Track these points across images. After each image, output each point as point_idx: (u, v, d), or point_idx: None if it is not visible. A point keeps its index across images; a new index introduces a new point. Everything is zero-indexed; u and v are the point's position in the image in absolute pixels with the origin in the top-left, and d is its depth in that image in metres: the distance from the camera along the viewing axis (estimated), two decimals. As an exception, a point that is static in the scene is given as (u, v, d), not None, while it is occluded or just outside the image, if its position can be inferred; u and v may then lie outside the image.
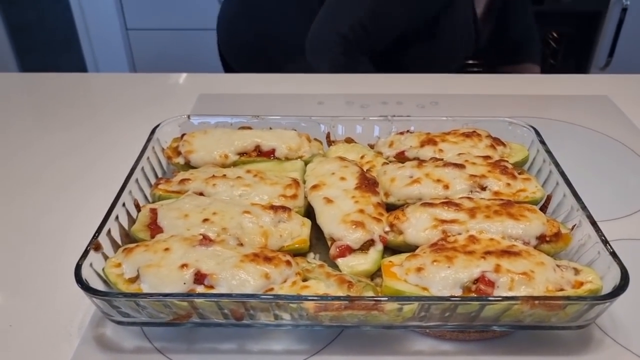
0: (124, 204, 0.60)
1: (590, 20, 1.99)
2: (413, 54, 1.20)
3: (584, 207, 0.59)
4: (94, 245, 0.54)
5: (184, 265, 0.51)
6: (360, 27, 1.09)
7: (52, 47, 2.85)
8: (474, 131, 0.72)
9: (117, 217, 0.59)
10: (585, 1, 1.94)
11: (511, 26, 1.39)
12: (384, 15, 1.11)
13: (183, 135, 0.73)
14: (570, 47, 2.04)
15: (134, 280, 0.52)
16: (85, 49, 2.68)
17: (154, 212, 0.60)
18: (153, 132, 0.72)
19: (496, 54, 1.45)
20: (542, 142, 0.70)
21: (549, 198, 0.64)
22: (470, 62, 1.66)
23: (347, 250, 0.56)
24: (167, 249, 0.53)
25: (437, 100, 0.96)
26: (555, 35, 2.02)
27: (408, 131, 0.74)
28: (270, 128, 0.74)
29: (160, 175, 0.70)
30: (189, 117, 0.75)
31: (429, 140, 0.70)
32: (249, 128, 0.74)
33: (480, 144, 0.70)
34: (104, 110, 0.98)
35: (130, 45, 1.97)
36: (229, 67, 1.41)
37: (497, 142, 0.71)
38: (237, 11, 1.35)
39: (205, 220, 0.57)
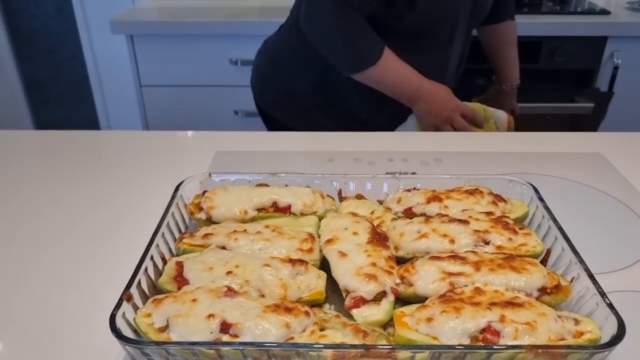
0: (151, 257, 0.65)
1: (584, 77, 2.08)
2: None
3: (581, 261, 0.63)
4: (127, 296, 0.58)
5: (210, 316, 0.55)
6: None
7: (65, 101, 2.95)
8: (477, 188, 0.77)
9: (145, 269, 0.63)
10: (578, 59, 2.03)
11: None
12: None
13: (204, 192, 0.78)
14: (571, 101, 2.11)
15: (164, 329, 0.56)
16: (98, 103, 2.78)
17: (179, 265, 0.64)
18: (177, 189, 0.77)
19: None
20: (541, 199, 0.75)
21: (548, 252, 0.69)
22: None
23: (361, 302, 0.60)
24: (194, 300, 0.57)
25: (440, 157, 1.01)
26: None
27: (415, 188, 0.79)
28: (286, 185, 0.79)
29: (183, 230, 0.75)
30: (210, 174, 0.81)
31: (435, 197, 0.75)
32: (266, 185, 0.79)
33: (483, 200, 0.75)
34: (123, 167, 1.03)
35: (144, 100, 2.05)
36: (267, 116, 1.50)
37: (498, 198, 0.76)
38: (270, 72, 1.45)
39: (229, 272, 0.61)
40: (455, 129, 1.25)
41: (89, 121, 2.89)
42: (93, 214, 0.88)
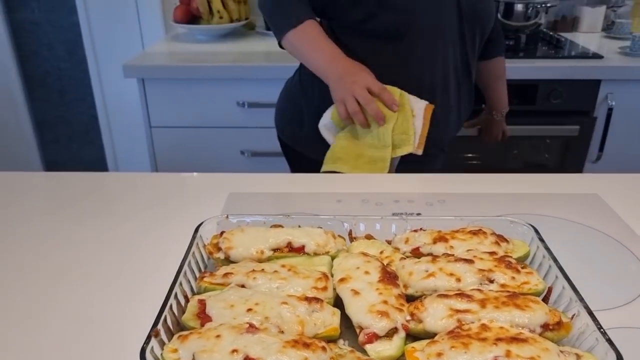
0: (175, 295, 0.68)
1: (581, 118, 2.15)
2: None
3: (581, 299, 0.67)
4: (154, 332, 0.62)
5: (234, 351, 0.58)
6: None
7: (74, 141, 3.02)
8: (480, 229, 0.81)
9: (170, 307, 0.67)
10: (574, 101, 2.11)
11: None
12: None
13: (222, 232, 0.82)
14: (565, 143, 2.18)
15: (190, 364, 0.59)
16: (106, 143, 2.84)
17: (202, 302, 0.68)
18: (197, 230, 0.81)
19: None
20: (541, 239, 0.79)
21: (550, 290, 0.73)
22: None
23: (374, 337, 0.64)
24: (218, 336, 0.61)
25: (444, 198, 1.06)
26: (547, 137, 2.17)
27: (421, 229, 0.83)
28: (299, 226, 0.83)
29: (202, 269, 0.79)
30: (227, 216, 0.85)
31: (441, 238, 0.80)
32: (280, 226, 0.84)
33: (486, 240, 0.79)
34: (138, 209, 1.07)
35: (153, 140, 2.11)
36: (287, 148, 1.57)
37: (500, 239, 0.80)
38: (285, 105, 1.55)
39: (249, 310, 0.65)
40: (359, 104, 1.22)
41: (97, 160, 2.95)
42: (111, 255, 0.91)
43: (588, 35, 2.55)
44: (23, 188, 1.16)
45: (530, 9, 2.20)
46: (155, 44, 2.41)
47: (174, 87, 2.07)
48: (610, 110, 2.08)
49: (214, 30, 2.35)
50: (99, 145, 2.91)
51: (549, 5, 2.22)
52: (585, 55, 2.16)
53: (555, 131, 2.11)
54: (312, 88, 1.42)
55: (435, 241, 0.79)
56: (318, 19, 1.33)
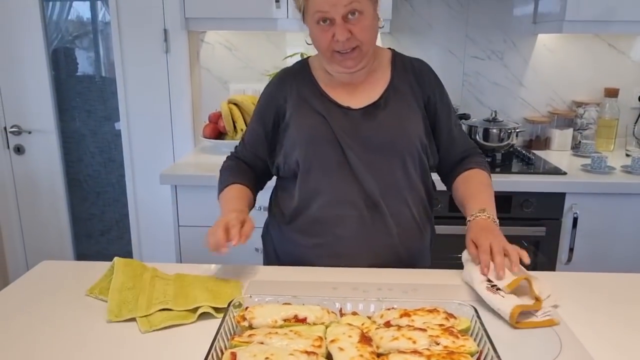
0: (215, 349, 0.98)
1: (552, 225, 2.47)
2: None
3: (499, 357, 0.96)
4: (203, 370, 0.91)
5: (257, 382, 0.88)
6: None
7: (105, 236, 3.36)
8: (435, 308, 1.11)
9: (212, 357, 0.96)
10: (543, 211, 2.44)
11: (452, 152, 1.62)
12: None
13: (247, 307, 1.13)
14: (536, 245, 2.49)
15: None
16: (134, 239, 3.18)
17: (233, 354, 0.97)
18: (228, 305, 1.12)
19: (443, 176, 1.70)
20: (479, 317, 1.09)
21: (481, 352, 1.01)
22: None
23: (352, 379, 0.93)
24: (246, 373, 0.90)
25: (417, 288, 1.36)
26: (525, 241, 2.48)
27: (393, 307, 1.14)
28: (303, 304, 1.14)
29: (232, 333, 1.08)
30: (251, 296, 1.16)
31: (405, 314, 1.10)
32: (289, 304, 1.14)
33: (439, 317, 1.09)
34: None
35: (180, 238, 2.45)
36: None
37: (450, 316, 1.10)
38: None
39: (266, 358, 0.94)
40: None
41: (124, 254, 3.26)
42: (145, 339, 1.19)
43: (559, 153, 2.94)
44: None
45: (503, 132, 2.61)
46: (186, 155, 2.83)
47: (200, 193, 2.44)
48: (575, 219, 2.41)
49: (236, 144, 2.76)
50: (127, 241, 3.25)
51: (518, 130, 2.64)
52: (551, 171, 2.53)
53: (526, 231, 2.42)
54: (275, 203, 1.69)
55: (401, 316, 1.09)
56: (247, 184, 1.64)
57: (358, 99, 1.52)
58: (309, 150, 1.50)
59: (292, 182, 1.57)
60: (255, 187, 1.68)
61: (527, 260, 1.33)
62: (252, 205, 1.64)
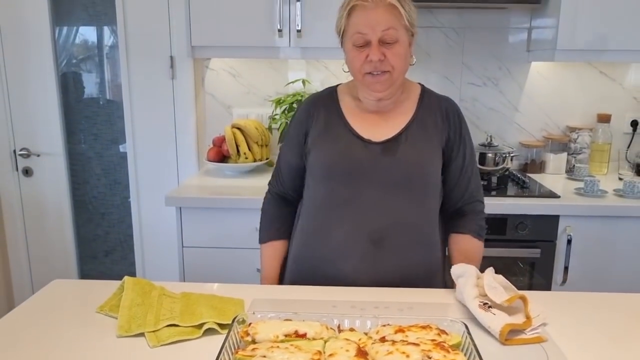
0: (220, 361, 1.04)
1: (546, 247, 2.53)
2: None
3: (488, 370, 1.02)
4: (209, 381, 0.97)
5: (259, 392, 0.94)
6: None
7: (109, 257, 3.42)
8: (428, 325, 1.18)
9: (217, 369, 1.02)
10: (538, 232, 2.50)
11: (454, 196, 1.65)
12: None
13: (250, 323, 1.19)
14: (531, 265, 2.55)
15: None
16: (138, 259, 3.24)
17: (237, 366, 1.03)
18: (233, 321, 1.18)
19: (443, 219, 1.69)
20: (469, 333, 1.15)
21: (471, 366, 1.07)
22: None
23: (349, 390, 0.99)
24: (249, 384, 0.96)
25: (412, 306, 1.42)
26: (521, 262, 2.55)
27: (388, 324, 1.20)
28: (304, 320, 1.20)
29: (237, 347, 1.14)
30: (254, 312, 1.23)
31: (400, 330, 1.16)
32: (290, 320, 1.20)
33: (431, 332, 1.15)
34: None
35: (184, 258, 2.51)
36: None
37: (442, 331, 1.16)
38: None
39: (269, 370, 1.01)
40: None
41: (128, 274, 3.33)
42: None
43: (554, 176, 3.02)
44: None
45: (498, 156, 2.69)
46: (190, 178, 2.91)
47: (204, 214, 2.51)
48: (569, 241, 2.47)
49: (240, 167, 2.85)
50: (131, 262, 3.31)
51: (512, 154, 2.72)
52: (546, 194, 2.60)
53: (521, 253, 2.49)
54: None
55: (396, 332, 1.16)
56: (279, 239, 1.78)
57: (380, 131, 1.57)
58: (322, 187, 1.58)
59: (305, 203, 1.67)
60: (291, 222, 1.78)
61: None
62: (283, 254, 1.79)
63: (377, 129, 1.57)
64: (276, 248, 1.76)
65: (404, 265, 1.56)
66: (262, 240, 1.79)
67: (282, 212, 1.78)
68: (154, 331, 1.25)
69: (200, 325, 1.27)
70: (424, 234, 1.59)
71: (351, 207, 1.53)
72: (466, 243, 1.66)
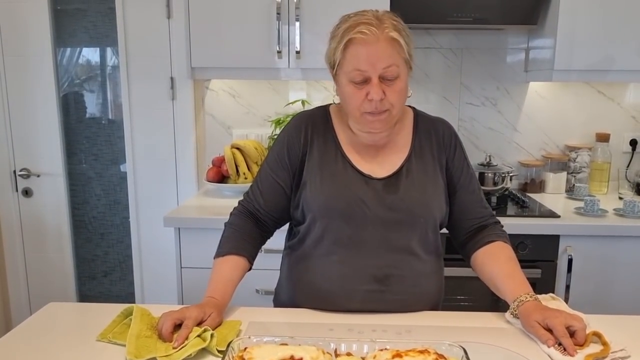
0: (214, 387, 1.03)
1: (547, 267, 2.51)
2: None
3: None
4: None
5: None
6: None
7: (108, 277, 3.41)
8: (426, 349, 1.16)
9: (211, 395, 1.01)
10: (539, 252, 2.49)
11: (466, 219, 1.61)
12: None
13: (245, 347, 1.18)
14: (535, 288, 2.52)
15: None
16: (137, 280, 3.23)
17: (232, 392, 1.02)
18: (229, 345, 1.17)
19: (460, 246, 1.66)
20: (467, 357, 1.14)
21: (469, 391, 1.06)
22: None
23: (345, 417, 0.97)
24: (243, 411, 0.95)
25: (410, 329, 1.41)
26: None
27: (385, 348, 1.19)
28: (299, 344, 1.18)
29: (231, 373, 1.13)
30: (250, 337, 1.21)
31: (397, 354, 1.14)
32: (286, 344, 1.19)
33: (429, 357, 1.14)
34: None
35: (182, 279, 2.50)
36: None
37: (439, 355, 1.15)
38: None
39: (264, 396, 0.99)
40: None
41: (126, 295, 3.32)
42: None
43: (553, 195, 3.01)
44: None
45: (497, 176, 2.69)
46: (190, 198, 2.90)
47: (203, 235, 2.49)
48: (570, 260, 2.46)
49: (239, 188, 2.84)
50: (129, 282, 3.29)
51: (512, 174, 2.72)
52: (546, 214, 2.59)
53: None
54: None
55: (393, 357, 1.14)
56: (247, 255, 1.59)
57: (380, 167, 1.51)
58: (322, 225, 1.50)
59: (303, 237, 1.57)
60: (257, 248, 1.63)
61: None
62: (242, 276, 1.58)
63: (375, 164, 1.52)
64: (238, 264, 1.55)
65: (410, 300, 1.54)
66: (224, 252, 1.56)
67: (253, 230, 1.60)
68: (165, 356, 1.24)
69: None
70: (428, 266, 1.56)
71: (354, 246, 1.49)
72: (501, 249, 1.58)
